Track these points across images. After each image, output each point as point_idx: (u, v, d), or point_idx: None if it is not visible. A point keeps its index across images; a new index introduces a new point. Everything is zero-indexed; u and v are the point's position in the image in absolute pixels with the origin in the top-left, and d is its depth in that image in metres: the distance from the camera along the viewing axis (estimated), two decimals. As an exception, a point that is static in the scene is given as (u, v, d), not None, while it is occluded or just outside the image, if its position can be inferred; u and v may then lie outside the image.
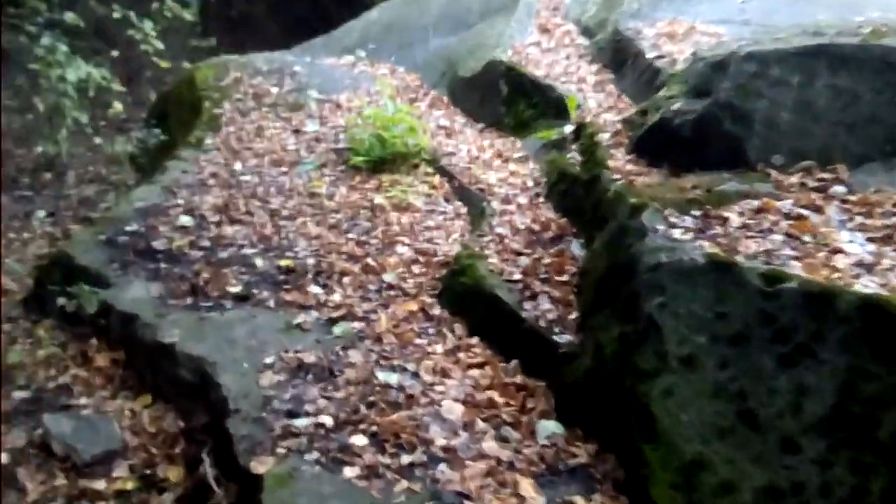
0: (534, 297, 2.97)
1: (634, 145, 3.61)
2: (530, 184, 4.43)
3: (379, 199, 4.56)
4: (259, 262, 3.70)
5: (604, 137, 3.94)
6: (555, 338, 2.73)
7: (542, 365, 2.71)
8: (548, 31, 6.34)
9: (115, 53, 8.73)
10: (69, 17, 6.82)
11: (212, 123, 5.82)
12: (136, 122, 9.46)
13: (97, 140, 7.30)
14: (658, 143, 3.47)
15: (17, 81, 8.16)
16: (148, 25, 7.34)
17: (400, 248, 3.83)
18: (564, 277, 3.10)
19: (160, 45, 7.45)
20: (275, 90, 6.55)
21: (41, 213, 6.33)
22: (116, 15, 6.96)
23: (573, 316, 2.85)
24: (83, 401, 2.89)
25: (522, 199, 4.18)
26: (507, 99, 5.73)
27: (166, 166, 5.05)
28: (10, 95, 8.57)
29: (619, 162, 3.55)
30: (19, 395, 2.91)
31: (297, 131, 5.82)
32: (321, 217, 4.31)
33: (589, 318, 2.68)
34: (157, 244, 3.88)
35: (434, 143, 5.41)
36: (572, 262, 3.22)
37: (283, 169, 5.12)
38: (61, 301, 3.36)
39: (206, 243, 3.93)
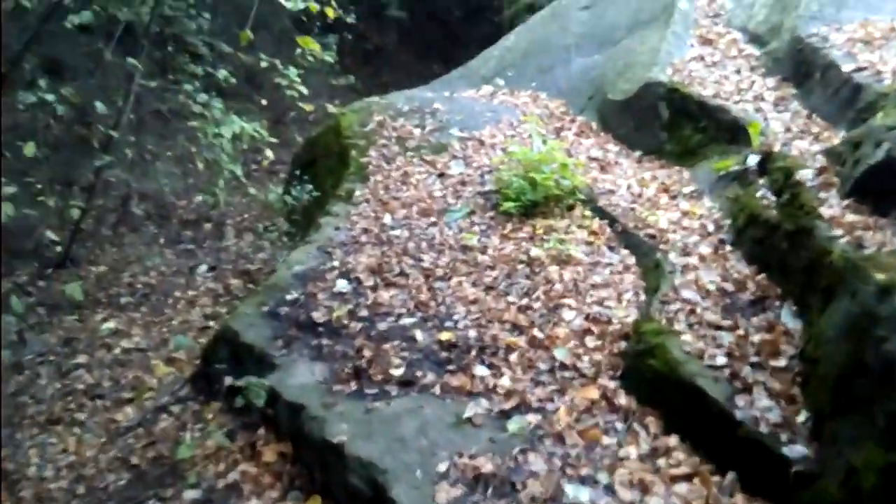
0: (747, 389, 2.48)
1: (852, 187, 3.01)
2: (710, 227, 3.90)
3: (536, 251, 4.22)
4: (419, 335, 3.48)
5: (805, 174, 3.35)
6: (783, 450, 2.24)
7: (769, 483, 2.23)
8: (710, 41, 5.72)
9: (263, 102, 9.08)
10: (222, 74, 7.12)
11: (359, 173, 5.76)
12: (284, 165, 9.85)
13: (252, 191, 7.56)
14: (887, 186, 2.85)
15: (178, 139, 8.70)
16: (293, 72, 7.53)
17: (567, 314, 3.46)
18: (781, 362, 2.58)
19: (304, 90, 7.61)
20: (417, 131, 6.42)
21: (203, 268, 6.59)
22: (264, 64, 7.18)
23: (802, 418, 2.34)
24: (253, 502, 2.78)
25: (704, 248, 3.67)
26: (669, 123, 5.20)
27: (320, 223, 5.02)
28: (170, 150, 9.16)
29: (834, 209, 2.97)
30: (190, 495, 2.86)
31: (442, 175, 5.63)
32: (476, 275, 4.04)
33: (828, 424, 2.18)
34: (318, 315, 3.78)
35: (588, 179, 4.99)
36: (787, 339, 2.70)
37: (432, 219, 4.92)
38: (228, 381, 3.33)
39: (365, 312, 3.77)
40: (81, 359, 4.62)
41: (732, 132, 4.62)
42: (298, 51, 7.59)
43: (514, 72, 7.49)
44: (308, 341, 3.57)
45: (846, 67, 4.14)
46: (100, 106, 6.02)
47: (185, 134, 8.57)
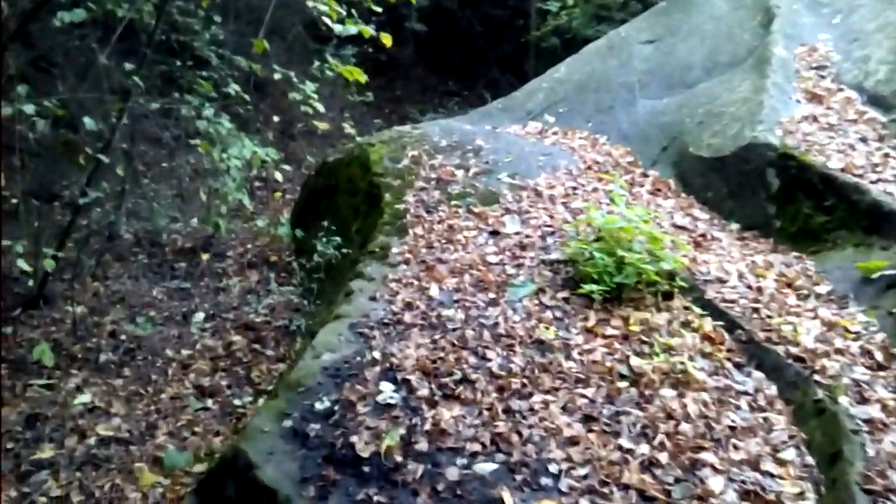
0: None
1: None
2: (878, 355, 3.00)
3: (638, 362, 3.30)
4: (507, 497, 2.54)
5: None
6: None
7: None
8: (819, 99, 4.86)
9: (275, 119, 8.12)
10: (233, 89, 6.17)
11: (395, 224, 4.82)
12: (291, 184, 8.87)
13: (260, 222, 6.60)
14: None
15: (177, 159, 7.72)
16: (309, 87, 6.63)
17: (712, 481, 2.54)
18: None
19: (321, 108, 6.70)
20: (460, 174, 5.50)
21: (199, 317, 5.61)
22: (277, 76, 6.27)
23: None
24: None
25: (884, 392, 2.77)
26: (780, 195, 4.33)
27: (350, 289, 4.08)
28: (167, 170, 8.17)
29: None
30: None
31: (495, 233, 4.71)
32: (566, 393, 3.11)
33: None
34: (360, 444, 2.83)
35: (683, 258, 4.09)
36: None
37: (491, 294, 3.99)
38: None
39: (424, 443, 2.83)
40: (46, 452, 3.63)
41: (872, 219, 3.76)
42: (316, 63, 6.74)
43: (567, 108, 6.61)
44: (350, 490, 2.62)
45: None
46: (88, 122, 5.05)
47: (184, 155, 7.61)
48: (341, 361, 3.40)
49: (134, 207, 7.19)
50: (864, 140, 4.31)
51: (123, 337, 5.16)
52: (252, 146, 6.24)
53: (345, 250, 4.53)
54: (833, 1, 5.95)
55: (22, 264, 4.58)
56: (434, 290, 4.05)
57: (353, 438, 2.86)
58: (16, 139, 5.16)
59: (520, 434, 2.85)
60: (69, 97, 5.81)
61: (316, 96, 6.69)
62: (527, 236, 4.65)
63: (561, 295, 3.97)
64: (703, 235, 4.45)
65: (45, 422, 3.92)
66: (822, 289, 3.60)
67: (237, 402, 4.36)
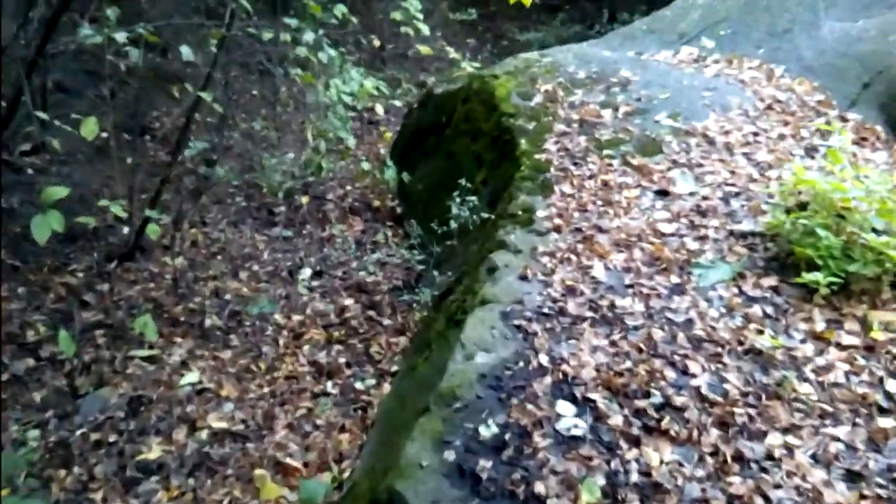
0: None
1: None
2: None
3: (900, 388, 2.48)
4: None
5: None
6: None
7: None
8: None
9: (376, 42, 7.32)
10: (341, 10, 5.37)
11: (537, 179, 4.02)
12: (387, 118, 8.09)
13: (365, 165, 5.91)
14: None
15: (273, 92, 7.04)
16: (414, 4, 5.82)
17: None
18: None
19: (426, 29, 5.90)
20: (607, 114, 4.60)
21: (307, 273, 5.06)
22: None
23: None
24: None
25: None
26: None
27: (494, 264, 3.37)
28: (264, 106, 7.51)
29: None
30: None
31: (662, 193, 3.85)
32: (813, 436, 2.33)
33: None
34: (551, 497, 2.17)
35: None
36: None
37: (674, 278, 3.19)
38: None
39: (636, 502, 2.15)
40: (154, 451, 3.16)
41: None
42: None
43: (730, 31, 5.50)
44: (548, 570, 1.98)
45: None
46: (186, 51, 4.40)
47: (284, 86, 6.92)
48: (501, 366, 2.72)
49: (229, 143, 6.63)
50: None
51: (228, 297, 4.67)
52: (360, 77, 5.49)
53: (485, 215, 3.76)
54: None
55: (116, 210, 4.05)
56: (599, 270, 3.28)
57: (539, 487, 2.20)
58: (105, 68, 4.58)
59: (766, 499, 2.11)
60: (163, 23, 5.16)
61: (421, 16, 5.85)
62: (704, 198, 3.78)
63: (767, 282, 3.13)
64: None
65: (150, 407, 3.46)
66: None
67: (359, 385, 3.80)
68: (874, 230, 2.96)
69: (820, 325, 2.83)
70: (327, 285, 4.90)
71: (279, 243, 5.55)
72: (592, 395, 2.55)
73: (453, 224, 3.83)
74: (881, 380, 2.53)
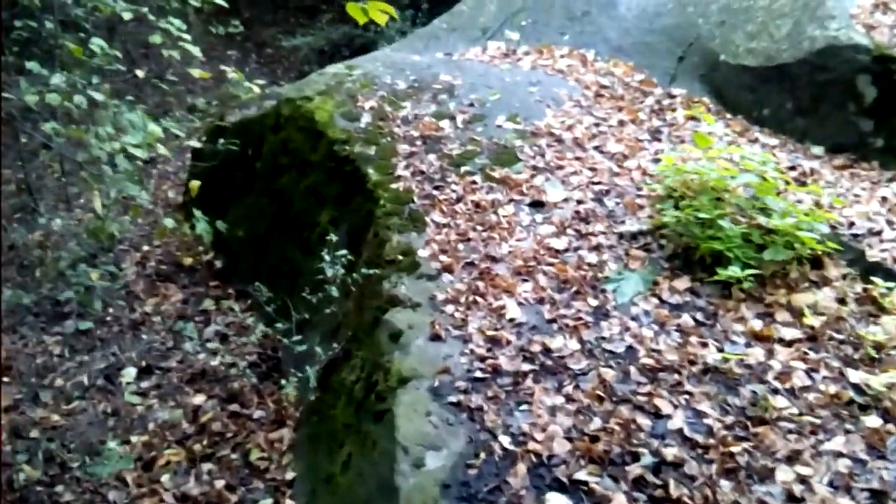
0: None
1: None
2: None
3: (864, 379, 2.43)
4: None
5: None
6: None
7: None
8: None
9: (139, 73, 6.27)
10: (99, 44, 4.37)
11: (402, 213, 3.53)
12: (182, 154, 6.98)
13: (169, 221, 4.96)
14: None
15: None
16: (176, 24, 5.01)
17: None
18: None
19: (196, 51, 5.12)
20: (446, 125, 4.23)
21: (131, 373, 4.09)
22: (127, 15, 4.59)
23: None
24: None
25: None
26: (877, 107, 3.53)
27: (393, 326, 2.84)
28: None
29: None
30: None
31: (537, 204, 3.58)
32: (819, 460, 2.16)
33: None
34: None
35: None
36: None
37: (591, 301, 2.93)
38: None
39: None
40: None
41: None
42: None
43: (531, 20, 5.42)
44: None
45: None
46: None
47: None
48: (461, 466, 2.24)
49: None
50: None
51: (36, 434, 3.57)
52: (140, 118, 4.53)
53: (373, 271, 3.15)
54: None
55: None
56: (512, 308, 2.91)
57: None
58: None
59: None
60: None
61: (189, 37, 5.02)
62: (579, 202, 3.57)
63: (681, 285, 2.99)
64: (793, 168, 3.60)
65: None
66: None
67: (254, 513, 3.06)
68: (779, 212, 2.92)
69: (755, 323, 2.73)
70: (163, 384, 3.98)
71: (79, 341, 4.44)
72: (579, 475, 2.18)
73: (332, 290, 3.18)
74: (841, 372, 2.47)
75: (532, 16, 5.38)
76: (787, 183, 3.19)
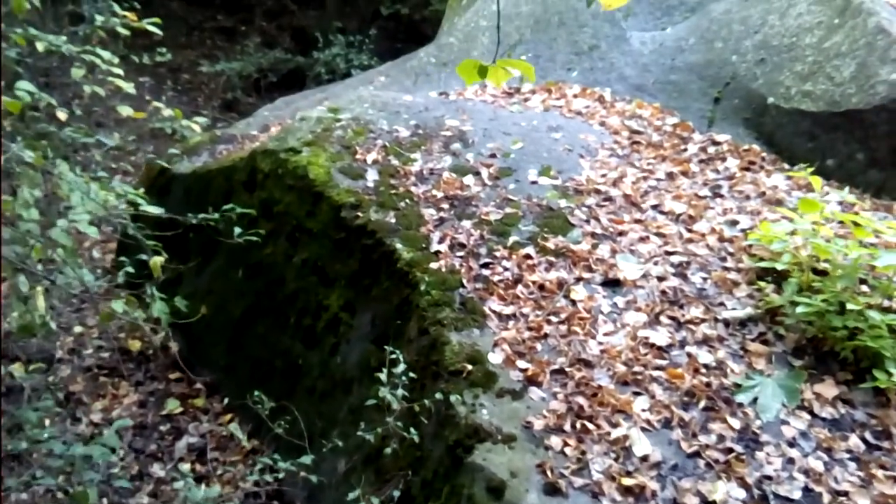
0: None
1: None
2: None
3: None
4: None
5: None
6: None
7: None
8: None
9: (60, 114, 5.24)
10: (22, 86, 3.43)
11: (454, 302, 2.82)
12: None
13: (117, 306, 3.99)
14: None
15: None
16: (106, 56, 4.14)
17: None
18: None
19: (130, 88, 4.24)
20: (470, 181, 3.56)
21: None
22: (39, 46, 3.68)
23: None
24: None
25: None
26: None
27: (490, 476, 2.13)
28: None
29: None
30: None
31: (612, 284, 2.96)
32: None
33: None
34: None
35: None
36: None
37: (733, 422, 2.34)
38: None
39: None
40: None
41: None
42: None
43: (532, 54, 4.84)
44: None
45: None
46: None
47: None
48: None
49: None
50: None
51: None
52: (82, 180, 3.59)
53: (449, 395, 2.37)
54: None
55: None
56: (637, 438, 2.26)
57: None
58: None
59: None
60: None
61: (121, 71, 4.14)
62: (661, 279, 2.98)
63: (828, 392, 2.44)
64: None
65: None
66: None
67: None
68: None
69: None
70: (134, 531, 3.04)
71: (11, 471, 3.40)
72: None
73: (397, 424, 2.39)
74: None
75: (532, 49, 4.80)
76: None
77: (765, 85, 3.91)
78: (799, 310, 2.54)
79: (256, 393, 2.96)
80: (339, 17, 10.83)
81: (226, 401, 3.73)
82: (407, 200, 3.42)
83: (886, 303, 2.59)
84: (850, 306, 2.46)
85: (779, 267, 2.75)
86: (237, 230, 2.91)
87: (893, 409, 2.35)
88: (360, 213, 3.33)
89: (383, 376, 2.38)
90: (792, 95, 3.76)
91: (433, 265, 2.99)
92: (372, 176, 3.59)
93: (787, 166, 3.75)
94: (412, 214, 3.31)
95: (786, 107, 3.77)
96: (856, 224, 2.79)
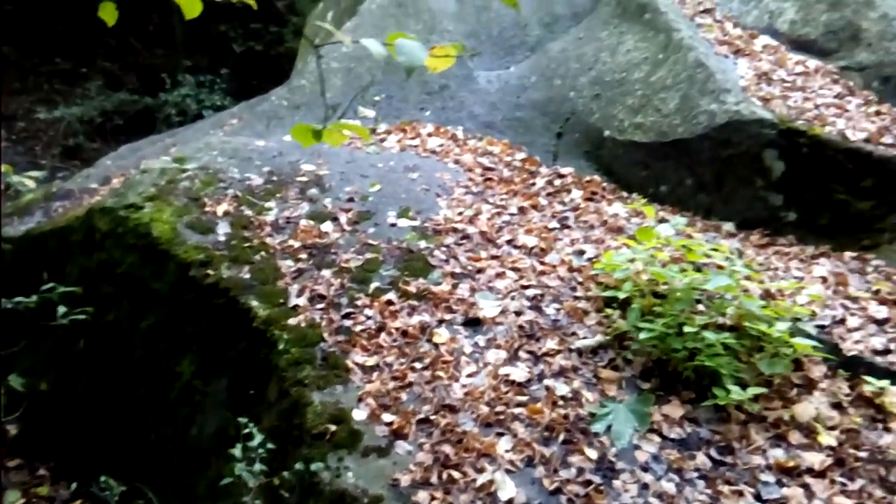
0: None
1: None
2: None
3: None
4: None
5: None
6: None
7: None
8: (743, 51, 4.11)
9: None
10: None
11: (315, 359, 2.74)
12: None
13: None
14: None
15: None
16: None
17: None
18: None
19: None
20: (328, 228, 3.51)
21: None
22: None
23: None
24: None
25: None
26: (786, 182, 3.51)
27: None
28: None
29: None
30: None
31: (473, 323, 3.00)
32: None
33: None
34: None
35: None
36: None
37: (589, 452, 2.43)
38: None
39: None
40: None
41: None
42: None
43: (385, 95, 4.88)
44: None
45: None
46: None
47: None
48: None
49: None
50: (840, 97, 3.72)
51: None
52: None
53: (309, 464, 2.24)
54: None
55: None
56: (502, 483, 2.28)
57: None
58: None
59: None
60: None
61: None
62: (518, 314, 3.06)
63: (675, 413, 2.59)
64: (716, 250, 3.43)
65: None
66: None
67: None
68: (763, 320, 2.65)
69: (776, 454, 2.41)
70: None
71: None
72: None
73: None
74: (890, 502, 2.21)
75: (385, 90, 4.84)
76: (748, 278, 2.96)
77: (601, 119, 4.16)
78: (642, 335, 2.69)
79: (103, 478, 2.72)
80: (189, 55, 10.42)
81: (73, 486, 3.39)
82: (262, 253, 3.30)
83: (721, 320, 2.78)
84: (686, 328, 2.63)
85: (621, 295, 2.90)
86: (61, 310, 2.67)
87: (734, 424, 2.53)
88: (210, 271, 3.18)
89: (237, 452, 2.25)
90: (625, 128, 4.02)
91: (292, 321, 2.90)
92: (223, 229, 3.45)
93: (626, 194, 4.00)
94: (268, 268, 3.20)
95: (620, 139, 4.02)
96: (688, 249, 3.01)
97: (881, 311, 2.91)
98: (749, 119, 3.49)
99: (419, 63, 1.39)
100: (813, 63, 3.94)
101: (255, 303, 2.99)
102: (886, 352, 2.73)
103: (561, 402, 2.62)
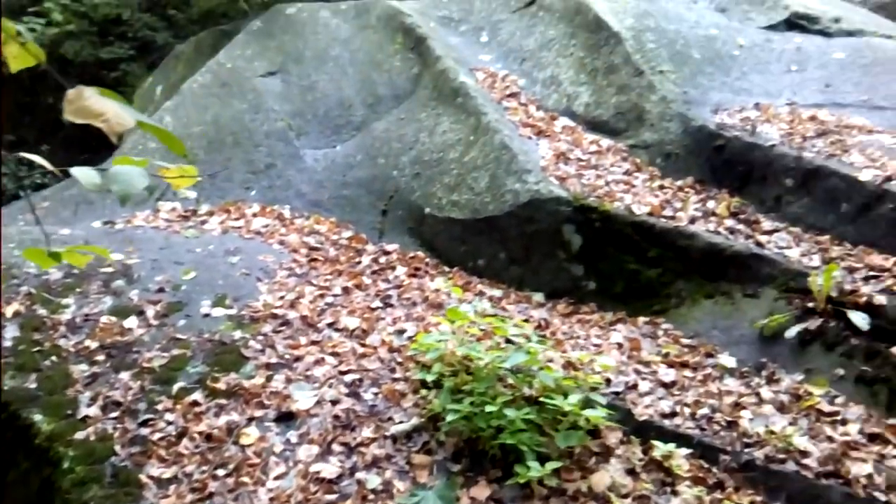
0: None
1: None
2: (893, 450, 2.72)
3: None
4: None
5: None
6: None
7: None
8: (545, 133, 4.41)
9: None
10: None
11: (103, 477, 2.54)
12: None
13: None
14: None
15: None
16: None
17: None
18: None
19: None
20: (132, 323, 3.34)
21: None
22: None
23: None
24: None
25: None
26: (585, 254, 3.77)
27: None
28: None
29: None
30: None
31: (286, 418, 2.93)
32: None
33: None
34: None
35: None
36: None
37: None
38: None
39: None
40: None
41: (712, 264, 3.53)
42: None
43: (207, 173, 4.76)
44: None
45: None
46: None
47: None
48: None
49: None
50: (629, 173, 4.08)
51: None
52: None
53: None
54: (465, 17, 5.62)
55: None
56: (303, 591, 2.20)
57: None
58: None
59: None
60: None
61: None
62: (334, 403, 3.03)
63: (481, 494, 2.63)
64: (527, 321, 3.60)
65: None
66: (727, 360, 3.22)
67: None
68: (556, 393, 2.78)
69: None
70: None
71: None
72: None
73: None
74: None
75: (208, 169, 4.73)
76: (554, 348, 3.12)
77: (422, 196, 4.29)
78: (449, 417, 2.73)
79: None
80: (15, 129, 9.68)
81: None
82: (53, 357, 3.06)
83: (528, 391, 2.88)
84: (488, 407, 2.71)
85: (429, 377, 2.95)
86: None
87: (537, 501, 2.60)
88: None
89: None
90: (444, 205, 4.17)
91: (79, 435, 2.69)
92: (11, 332, 3.17)
93: (447, 269, 4.12)
94: (58, 374, 2.96)
95: (440, 215, 4.16)
96: (495, 326, 3.13)
97: (669, 374, 3.16)
98: (547, 197, 3.73)
99: (136, 191, 1.36)
100: (606, 142, 4.32)
101: (38, 417, 2.74)
102: (673, 414, 2.94)
103: (371, 497, 2.59)
